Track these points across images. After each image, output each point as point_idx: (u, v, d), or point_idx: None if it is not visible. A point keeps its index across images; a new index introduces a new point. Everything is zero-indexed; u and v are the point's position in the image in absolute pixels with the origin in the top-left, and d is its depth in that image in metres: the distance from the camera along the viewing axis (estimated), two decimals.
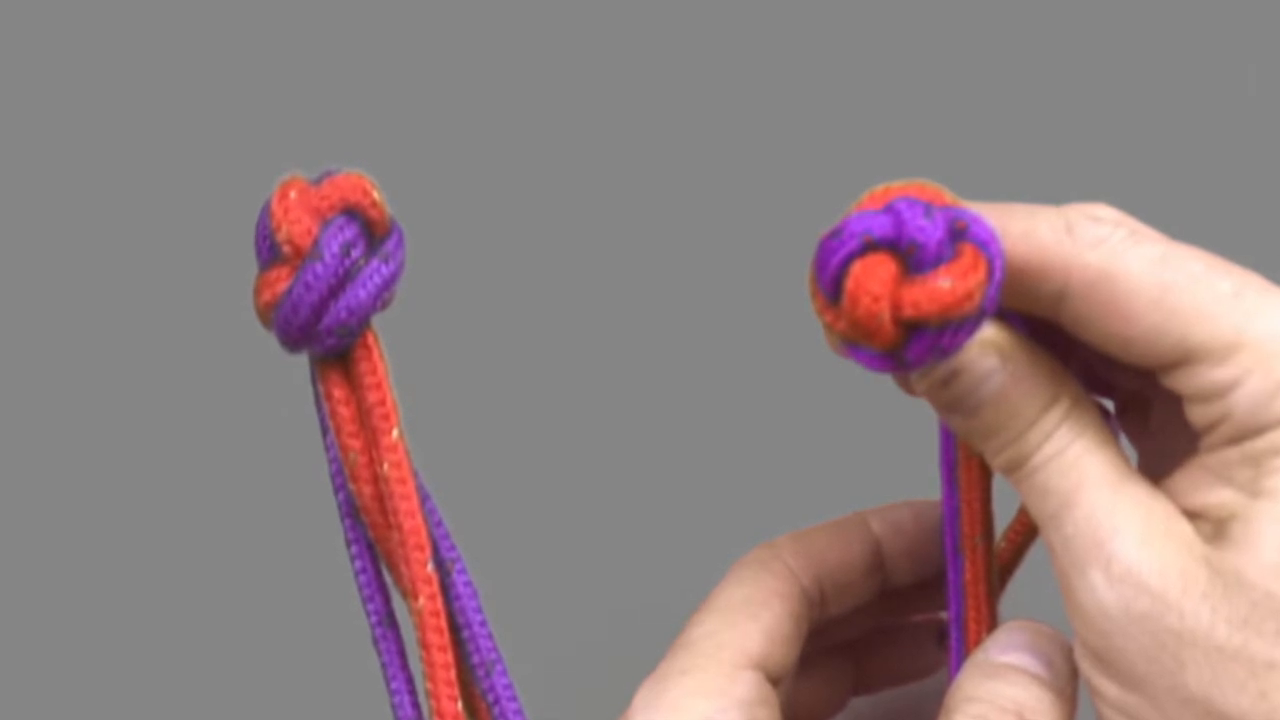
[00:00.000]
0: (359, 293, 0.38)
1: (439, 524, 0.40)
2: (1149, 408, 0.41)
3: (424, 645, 0.39)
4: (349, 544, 0.41)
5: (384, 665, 0.41)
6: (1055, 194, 0.40)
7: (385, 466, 0.39)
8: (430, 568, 0.39)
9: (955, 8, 0.67)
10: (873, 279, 0.36)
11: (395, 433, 0.39)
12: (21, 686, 0.56)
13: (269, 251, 0.38)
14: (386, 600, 0.41)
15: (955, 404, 0.39)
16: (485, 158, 0.65)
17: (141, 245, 0.63)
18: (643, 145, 0.65)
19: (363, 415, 0.39)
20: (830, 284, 0.37)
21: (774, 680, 0.42)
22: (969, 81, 0.66)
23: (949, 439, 0.42)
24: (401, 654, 0.41)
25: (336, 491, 0.40)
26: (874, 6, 0.67)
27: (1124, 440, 0.42)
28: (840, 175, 0.57)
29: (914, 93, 0.66)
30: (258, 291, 0.38)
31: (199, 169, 0.64)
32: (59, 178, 0.65)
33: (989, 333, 0.38)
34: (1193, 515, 0.38)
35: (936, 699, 0.41)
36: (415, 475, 0.39)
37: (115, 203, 0.64)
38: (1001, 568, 0.45)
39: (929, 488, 0.44)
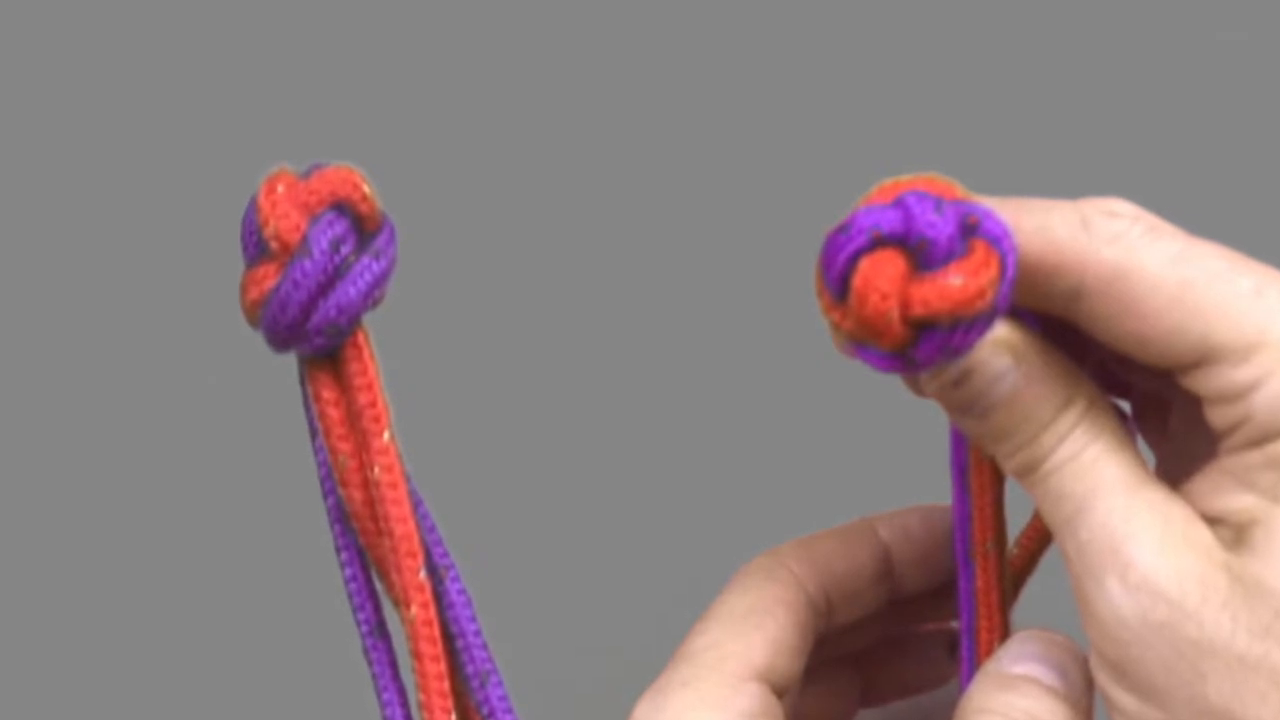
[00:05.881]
0: (349, 290, 0.37)
1: (431, 530, 0.40)
2: (1167, 409, 0.41)
3: (416, 655, 0.39)
4: (338, 550, 0.40)
5: (375, 676, 0.41)
6: (1070, 188, 0.40)
7: (376, 470, 0.39)
8: (423, 575, 0.39)
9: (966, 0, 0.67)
10: (881, 276, 0.36)
11: (386, 435, 0.39)
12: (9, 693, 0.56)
13: (256, 248, 0.38)
14: (377, 609, 0.41)
15: (967, 406, 0.38)
16: (479, 151, 0.65)
17: (127, 241, 0.63)
18: (642, 137, 0.65)
19: (353, 417, 0.39)
20: (837, 281, 0.36)
21: (779, 692, 0.42)
22: (981, 73, 0.66)
23: (960, 442, 0.42)
24: (393, 664, 0.41)
25: (326, 496, 0.40)
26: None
27: (1141, 443, 0.42)
28: (848, 169, 0.57)
29: (924, 84, 0.66)
30: (244, 289, 0.38)
31: (185, 163, 0.64)
32: (43, 173, 0.65)
33: (1001, 332, 0.38)
34: (1213, 520, 0.37)
35: (947, 710, 0.41)
36: (407, 479, 0.39)
37: (100, 198, 0.64)
38: (1014, 575, 0.45)
39: (939, 492, 0.44)
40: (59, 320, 0.62)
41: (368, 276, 0.37)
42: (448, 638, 0.40)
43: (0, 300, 0.63)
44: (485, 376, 0.60)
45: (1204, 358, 0.37)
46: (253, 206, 0.37)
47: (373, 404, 0.38)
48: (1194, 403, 0.38)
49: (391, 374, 0.39)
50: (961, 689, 0.42)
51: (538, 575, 0.56)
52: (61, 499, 0.59)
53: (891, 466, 0.54)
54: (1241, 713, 0.35)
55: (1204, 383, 0.37)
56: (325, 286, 0.37)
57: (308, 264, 0.37)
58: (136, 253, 0.63)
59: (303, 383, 0.39)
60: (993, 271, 0.36)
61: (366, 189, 0.37)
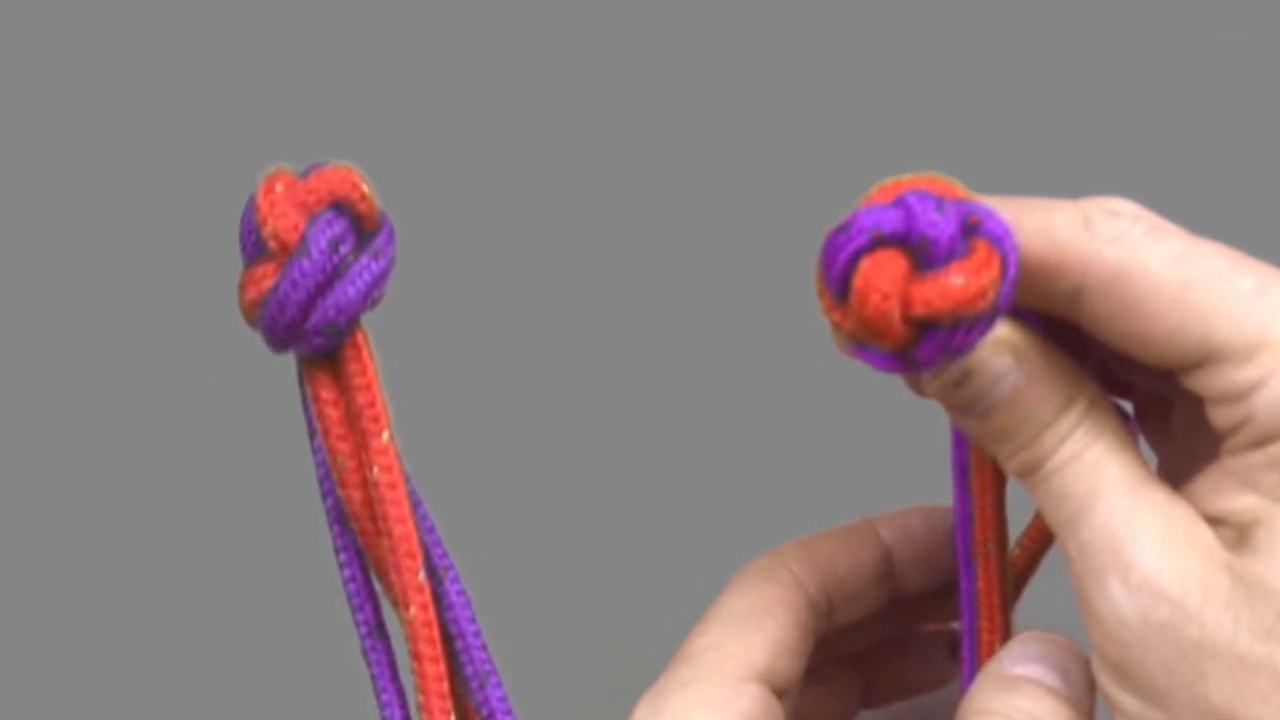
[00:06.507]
0: (348, 290, 0.37)
1: (431, 530, 0.40)
2: (1169, 409, 0.41)
3: (415, 657, 0.39)
4: (337, 551, 0.40)
5: (374, 677, 0.41)
6: (1071, 188, 0.40)
7: (375, 470, 0.38)
8: (422, 576, 0.39)
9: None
10: (882, 276, 0.36)
11: (385, 435, 0.38)
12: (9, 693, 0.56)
13: (254, 247, 0.38)
14: (376, 610, 0.40)
15: (968, 406, 0.38)
16: (479, 151, 0.65)
17: (126, 241, 0.63)
18: (642, 137, 0.65)
19: (352, 417, 0.39)
20: (838, 281, 0.36)
21: (779, 693, 0.42)
22: (981, 73, 0.66)
23: (961, 442, 0.42)
24: (392, 665, 0.41)
25: (324, 496, 0.40)
26: None
27: (1143, 443, 0.42)
28: (849, 168, 0.57)
29: (924, 84, 0.66)
30: (242, 289, 0.38)
31: (183, 162, 0.64)
32: (44, 174, 0.65)
33: (1003, 332, 0.38)
34: (1215, 521, 0.37)
35: (948, 711, 0.41)
36: (406, 480, 0.39)
37: (100, 198, 0.64)
38: (1016, 575, 0.45)
39: (940, 492, 0.44)
40: (59, 320, 0.62)
41: (366, 276, 0.37)
42: (447, 639, 0.39)
43: (0, 300, 0.63)
44: (485, 376, 0.60)
45: (1206, 358, 0.37)
46: (251, 206, 0.37)
47: (372, 404, 0.38)
48: (1196, 403, 0.38)
49: (391, 374, 0.39)
50: (963, 690, 0.42)
51: (538, 576, 0.56)
52: (61, 499, 0.59)
53: (892, 466, 0.54)
54: (1243, 714, 0.35)
55: (1206, 383, 0.37)
56: (324, 286, 0.37)
57: (306, 263, 0.37)
58: (136, 253, 0.63)
59: (301, 383, 0.39)
60: (994, 271, 0.36)
61: (365, 188, 0.37)
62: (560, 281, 0.62)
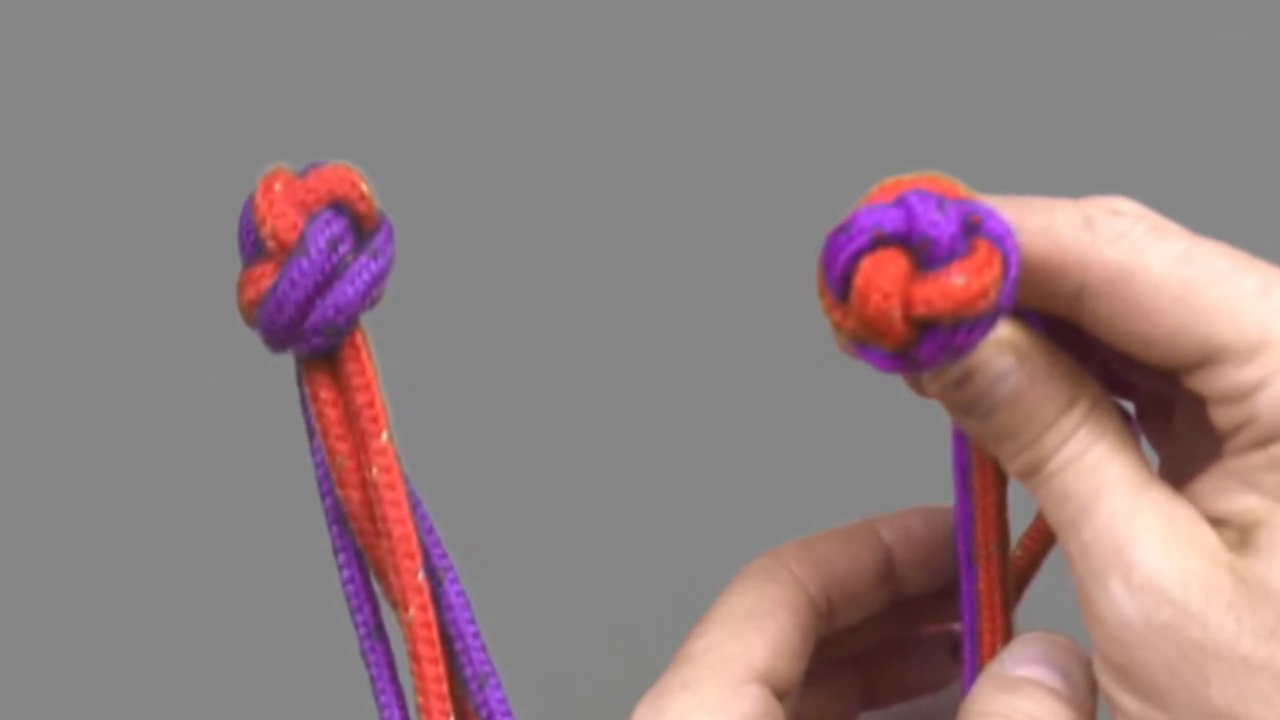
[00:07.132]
0: (347, 290, 0.37)
1: (430, 531, 0.40)
2: (1171, 410, 0.41)
3: (414, 658, 0.39)
4: (336, 552, 0.40)
5: (373, 678, 0.41)
6: (1072, 188, 0.40)
7: (374, 471, 0.38)
8: (421, 577, 0.39)
9: None
10: (883, 275, 0.36)
11: (384, 436, 0.38)
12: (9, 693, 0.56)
13: (253, 247, 0.37)
14: (375, 610, 0.40)
15: (969, 406, 0.38)
16: (478, 151, 0.65)
17: (126, 241, 0.63)
18: (642, 137, 0.66)
19: (350, 418, 0.38)
20: (839, 281, 0.36)
21: (780, 694, 0.41)
22: (981, 73, 0.66)
23: (962, 442, 0.42)
24: (391, 666, 0.41)
25: (323, 497, 0.40)
26: None
27: (1145, 444, 0.41)
28: (848, 169, 0.57)
29: (924, 84, 0.66)
30: (241, 288, 0.38)
31: (182, 162, 0.64)
32: (43, 173, 0.65)
33: (1004, 331, 0.38)
34: (1217, 522, 0.37)
35: (949, 713, 0.41)
36: (405, 480, 0.39)
37: (99, 198, 0.64)
38: (1017, 576, 0.45)
39: (941, 493, 0.44)
40: (59, 320, 0.62)
41: (365, 276, 0.37)
42: (446, 640, 0.39)
43: (0, 300, 0.63)
44: (485, 376, 0.60)
45: (1208, 358, 0.37)
46: (250, 205, 0.37)
47: (371, 404, 0.38)
48: (1198, 403, 0.38)
49: (390, 374, 0.39)
50: (964, 691, 0.42)
51: (537, 576, 0.56)
52: (60, 499, 0.59)
53: (893, 467, 0.54)
54: (1245, 715, 0.35)
55: (1208, 383, 0.37)
56: (322, 286, 0.37)
57: (305, 263, 0.37)
58: (136, 252, 0.63)
59: (300, 383, 0.39)
60: (995, 271, 0.36)
61: (364, 188, 0.37)
62: (560, 281, 0.62)
